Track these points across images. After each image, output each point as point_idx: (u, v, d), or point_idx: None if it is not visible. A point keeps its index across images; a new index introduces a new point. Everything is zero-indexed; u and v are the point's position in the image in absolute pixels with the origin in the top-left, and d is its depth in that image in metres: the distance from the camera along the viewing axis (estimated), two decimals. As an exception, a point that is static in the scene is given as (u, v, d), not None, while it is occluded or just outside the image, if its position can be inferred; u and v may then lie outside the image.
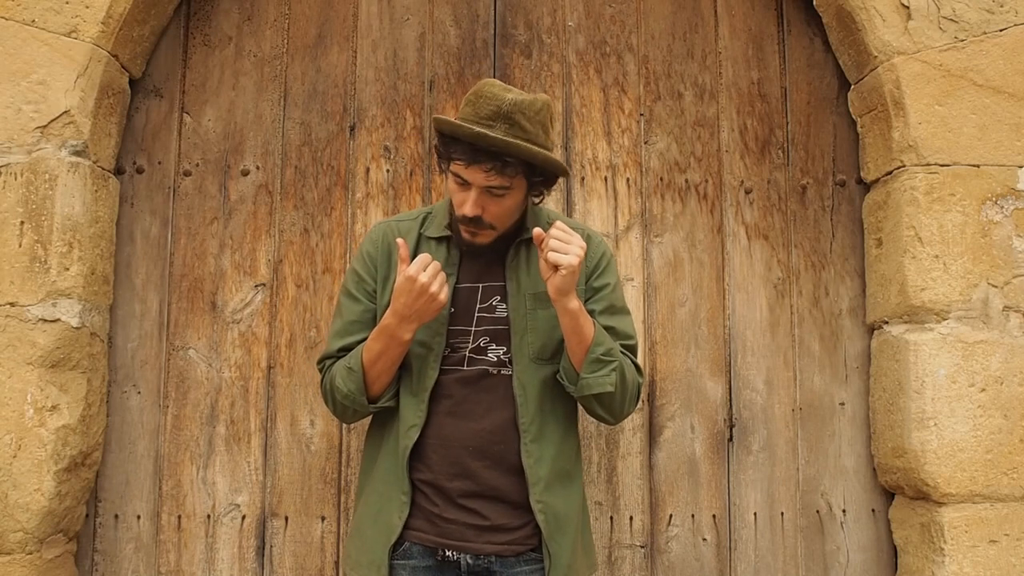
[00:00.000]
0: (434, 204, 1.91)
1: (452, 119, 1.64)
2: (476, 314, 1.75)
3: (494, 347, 1.74)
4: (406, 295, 1.62)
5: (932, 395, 2.14)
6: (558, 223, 1.63)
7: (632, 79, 2.42)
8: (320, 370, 1.83)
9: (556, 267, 1.59)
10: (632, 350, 1.79)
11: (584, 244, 1.62)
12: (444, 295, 1.64)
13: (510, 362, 1.73)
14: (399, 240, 1.67)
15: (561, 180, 2.35)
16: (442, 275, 1.64)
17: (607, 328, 1.73)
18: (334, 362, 1.79)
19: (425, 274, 1.61)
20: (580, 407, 1.82)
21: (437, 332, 1.73)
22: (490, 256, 1.77)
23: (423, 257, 1.63)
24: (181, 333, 2.32)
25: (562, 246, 1.59)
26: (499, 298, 1.76)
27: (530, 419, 1.72)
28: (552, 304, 1.68)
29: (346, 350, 1.78)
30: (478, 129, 1.59)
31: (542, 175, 1.68)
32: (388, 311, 1.67)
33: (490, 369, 1.73)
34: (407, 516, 1.71)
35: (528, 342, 1.73)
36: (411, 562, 1.72)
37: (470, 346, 1.74)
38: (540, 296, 1.74)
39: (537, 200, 1.79)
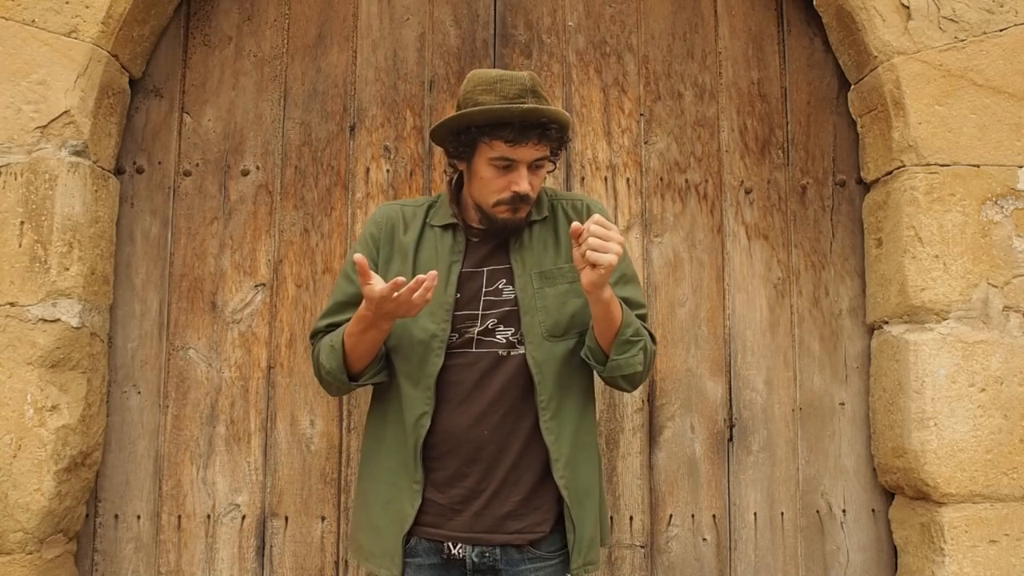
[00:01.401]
0: (437, 194, 1.91)
1: (489, 106, 1.65)
2: (483, 298, 1.76)
3: (502, 329, 1.74)
4: (376, 307, 1.61)
5: (932, 395, 2.14)
6: (597, 216, 1.59)
7: (632, 79, 2.42)
8: (312, 345, 1.86)
9: (593, 264, 1.57)
10: (644, 318, 1.81)
11: (622, 239, 1.59)
12: (421, 300, 1.60)
13: (520, 342, 1.73)
14: (357, 257, 1.59)
15: (562, 179, 2.38)
16: (427, 284, 1.59)
17: (622, 299, 1.73)
18: (322, 337, 1.82)
19: (394, 302, 1.58)
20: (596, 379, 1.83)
21: (443, 319, 1.73)
22: (494, 240, 1.78)
23: (394, 283, 1.57)
24: (181, 333, 2.31)
25: (601, 244, 1.56)
26: (505, 280, 1.76)
27: (548, 396, 1.72)
28: (558, 282, 1.73)
29: (334, 326, 1.80)
30: (528, 105, 1.63)
31: (560, 141, 1.73)
32: (364, 303, 1.65)
33: (500, 351, 1.73)
34: (420, 503, 1.71)
35: (539, 321, 1.74)
36: (416, 560, 1.72)
37: (477, 329, 1.74)
38: (546, 274, 1.76)
39: (551, 169, 1.82)
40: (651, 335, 1.79)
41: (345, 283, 1.83)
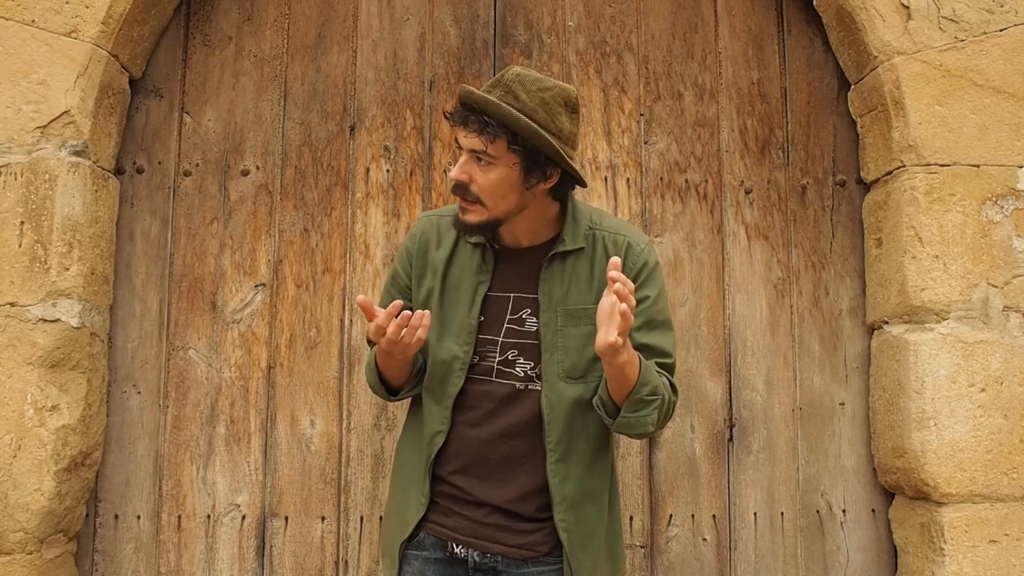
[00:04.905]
0: None
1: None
2: (505, 325, 1.72)
3: (522, 361, 1.70)
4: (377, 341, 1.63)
5: (932, 395, 2.14)
6: (619, 273, 1.47)
7: (632, 79, 2.42)
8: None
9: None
10: (670, 368, 1.70)
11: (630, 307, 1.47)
12: (411, 340, 1.59)
13: (538, 377, 1.70)
14: (360, 299, 1.59)
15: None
16: (413, 323, 1.58)
17: (644, 346, 1.65)
18: (375, 347, 1.81)
19: (385, 339, 1.58)
20: None
21: (465, 342, 1.71)
22: (525, 265, 1.73)
23: (390, 310, 1.58)
24: (181, 333, 2.31)
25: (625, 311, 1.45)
26: (529, 311, 1.71)
27: (557, 438, 1.68)
28: (583, 323, 1.66)
29: None
30: (465, 87, 1.60)
31: (533, 154, 1.59)
32: None
33: (517, 384, 1.70)
34: (424, 513, 1.72)
35: (558, 360, 1.69)
36: (423, 553, 1.73)
37: (498, 358, 1.71)
38: (572, 313, 1.69)
39: (541, 182, 1.64)
40: (673, 386, 1.69)
41: (386, 295, 1.83)
